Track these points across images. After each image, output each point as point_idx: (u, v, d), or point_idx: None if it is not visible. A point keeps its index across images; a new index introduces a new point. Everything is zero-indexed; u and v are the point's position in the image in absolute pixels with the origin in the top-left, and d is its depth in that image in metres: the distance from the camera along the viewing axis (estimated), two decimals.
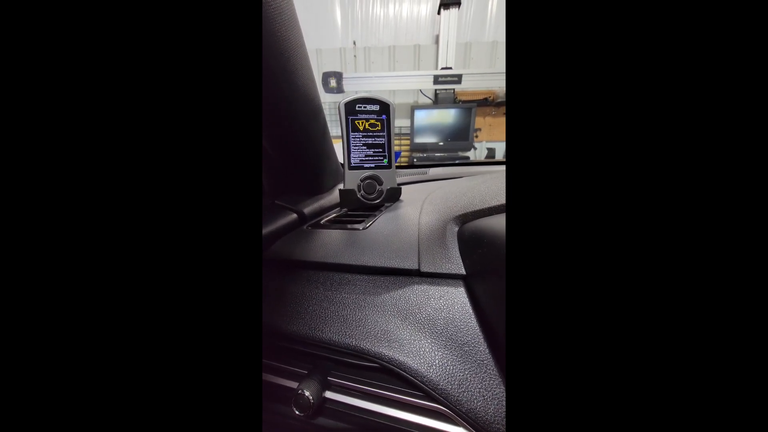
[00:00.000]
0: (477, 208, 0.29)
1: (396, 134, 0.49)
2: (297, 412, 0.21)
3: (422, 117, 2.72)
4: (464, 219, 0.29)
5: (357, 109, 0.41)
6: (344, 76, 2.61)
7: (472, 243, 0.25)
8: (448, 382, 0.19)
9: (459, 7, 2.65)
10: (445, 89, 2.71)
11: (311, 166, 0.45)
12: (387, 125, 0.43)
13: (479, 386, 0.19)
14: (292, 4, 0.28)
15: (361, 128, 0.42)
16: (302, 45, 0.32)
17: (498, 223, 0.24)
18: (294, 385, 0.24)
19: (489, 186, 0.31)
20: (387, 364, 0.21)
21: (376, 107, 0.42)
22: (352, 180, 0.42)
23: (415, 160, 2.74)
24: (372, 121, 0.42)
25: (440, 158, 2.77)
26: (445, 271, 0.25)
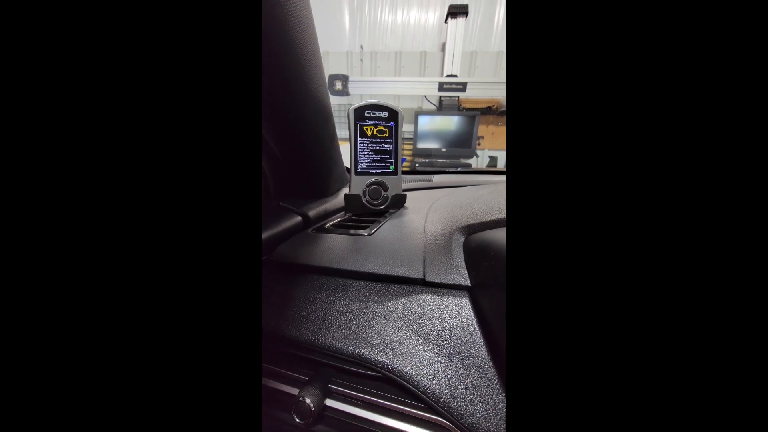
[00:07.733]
0: (484, 219, 0.28)
1: None
2: (297, 420, 0.21)
3: (425, 123, 2.73)
4: (470, 230, 0.29)
5: (366, 115, 0.41)
6: (350, 79, 2.63)
7: (478, 255, 0.25)
8: (450, 394, 0.19)
9: (466, 17, 2.68)
10: (450, 96, 2.73)
11: (318, 170, 0.46)
12: (395, 132, 0.43)
13: (482, 400, 0.19)
14: (311, 15, 0.29)
15: (369, 134, 0.42)
16: (318, 55, 0.32)
17: (505, 236, 0.24)
18: (294, 391, 0.24)
19: (495, 197, 0.31)
20: (389, 374, 0.21)
21: (384, 114, 0.42)
22: (357, 185, 0.42)
23: (417, 165, 2.75)
24: (380, 128, 0.42)
25: (442, 164, 2.78)
26: (450, 282, 0.25)
